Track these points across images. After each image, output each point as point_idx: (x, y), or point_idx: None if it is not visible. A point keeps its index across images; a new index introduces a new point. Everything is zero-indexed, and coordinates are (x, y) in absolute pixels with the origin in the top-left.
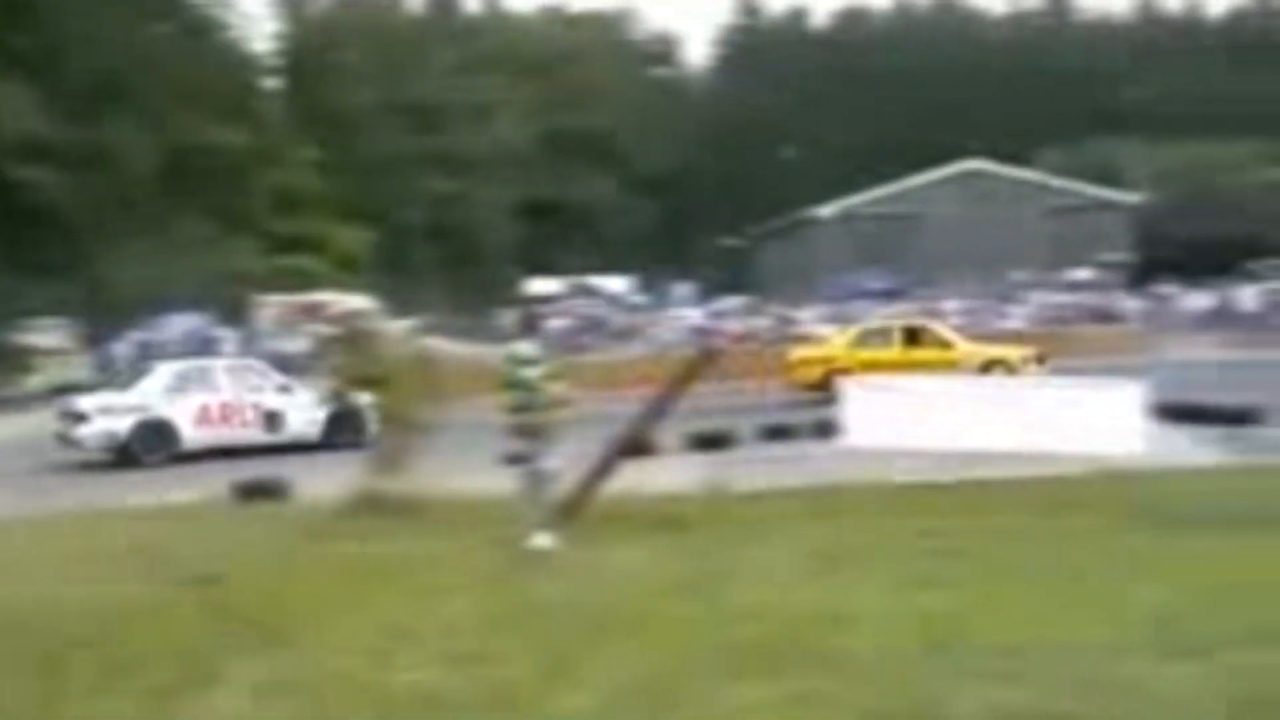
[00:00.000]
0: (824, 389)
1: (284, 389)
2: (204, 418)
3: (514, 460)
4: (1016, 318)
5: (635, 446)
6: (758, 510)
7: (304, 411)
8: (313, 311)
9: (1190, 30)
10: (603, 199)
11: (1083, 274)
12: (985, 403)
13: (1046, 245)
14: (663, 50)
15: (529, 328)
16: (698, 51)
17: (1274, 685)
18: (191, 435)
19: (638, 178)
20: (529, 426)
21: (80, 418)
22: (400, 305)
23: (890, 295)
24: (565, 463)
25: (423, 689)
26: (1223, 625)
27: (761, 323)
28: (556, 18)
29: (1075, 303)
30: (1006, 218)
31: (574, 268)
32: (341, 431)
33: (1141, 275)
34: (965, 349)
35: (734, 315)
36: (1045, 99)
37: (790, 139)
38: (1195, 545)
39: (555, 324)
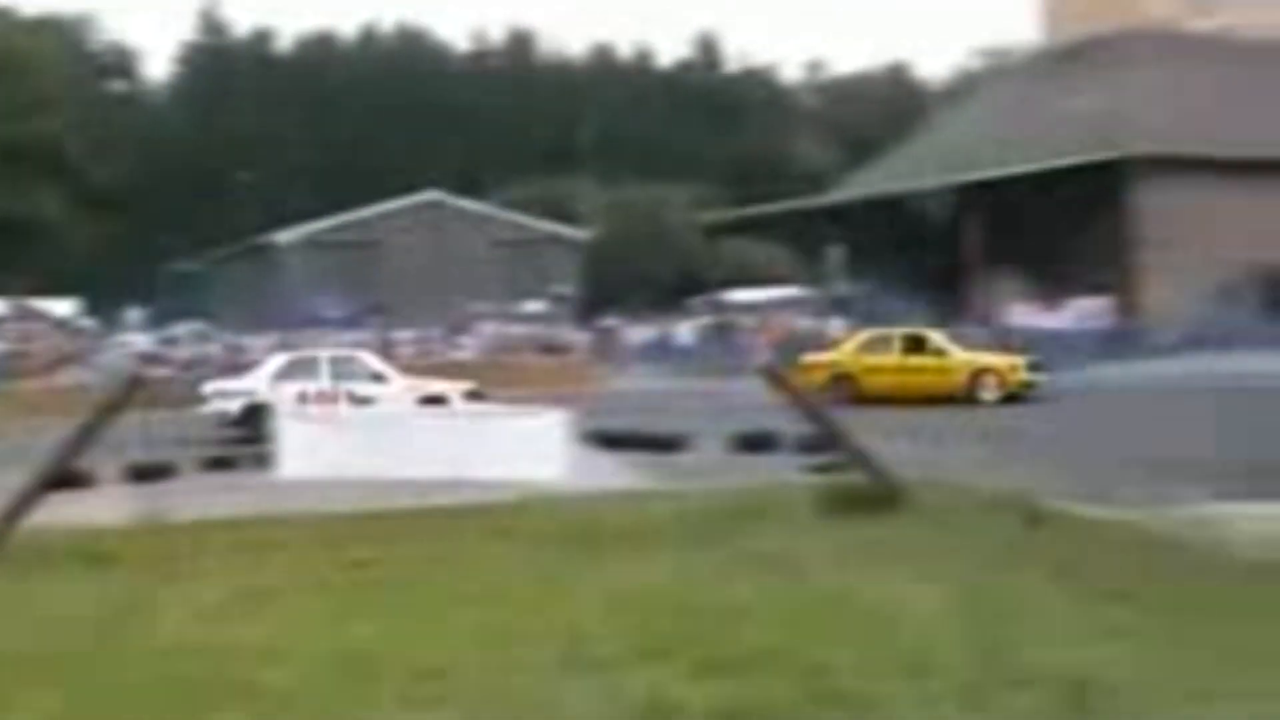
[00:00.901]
0: (829, 393)
1: (378, 378)
2: (303, 404)
3: None
4: (469, 348)
5: (65, 477)
6: (190, 543)
7: (397, 401)
8: None
9: (640, 78)
10: (49, 216)
11: (534, 306)
12: (421, 432)
13: (501, 277)
14: (119, 62)
15: None
16: (160, 67)
17: (661, 696)
18: None
19: (89, 195)
20: None
21: (203, 399)
22: None
23: (346, 323)
24: None
25: None
26: (623, 641)
27: (212, 349)
28: (10, 21)
29: (526, 334)
30: (463, 249)
31: (16, 288)
32: None
33: (589, 308)
34: (960, 357)
35: (186, 342)
36: (505, 135)
37: (251, 163)
38: (604, 566)
39: None
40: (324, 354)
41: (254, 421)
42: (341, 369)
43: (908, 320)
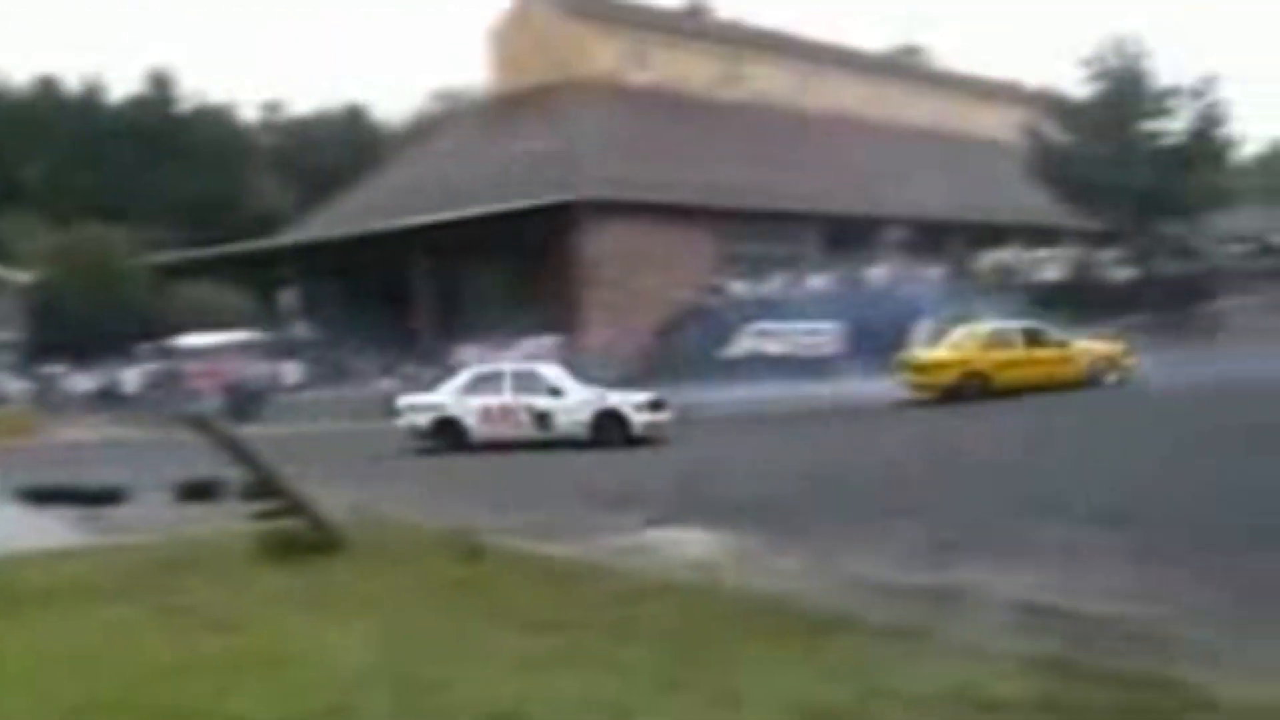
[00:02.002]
0: (957, 393)
1: (555, 392)
2: (487, 417)
3: None
4: None
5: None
6: None
7: (571, 413)
8: None
9: (91, 113)
10: None
11: None
12: None
13: None
14: None
15: None
16: None
17: None
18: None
19: None
20: None
21: (396, 412)
22: None
23: None
24: None
25: None
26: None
27: None
28: None
29: None
30: None
31: None
32: (606, 430)
33: (34, 355)
34: (1079, 347)
35: None
36: None
37: None
38: (30, 626)
39: None
40: (507, 368)
41: (445, 434)
42: (523, 383)
43: (362, 361)
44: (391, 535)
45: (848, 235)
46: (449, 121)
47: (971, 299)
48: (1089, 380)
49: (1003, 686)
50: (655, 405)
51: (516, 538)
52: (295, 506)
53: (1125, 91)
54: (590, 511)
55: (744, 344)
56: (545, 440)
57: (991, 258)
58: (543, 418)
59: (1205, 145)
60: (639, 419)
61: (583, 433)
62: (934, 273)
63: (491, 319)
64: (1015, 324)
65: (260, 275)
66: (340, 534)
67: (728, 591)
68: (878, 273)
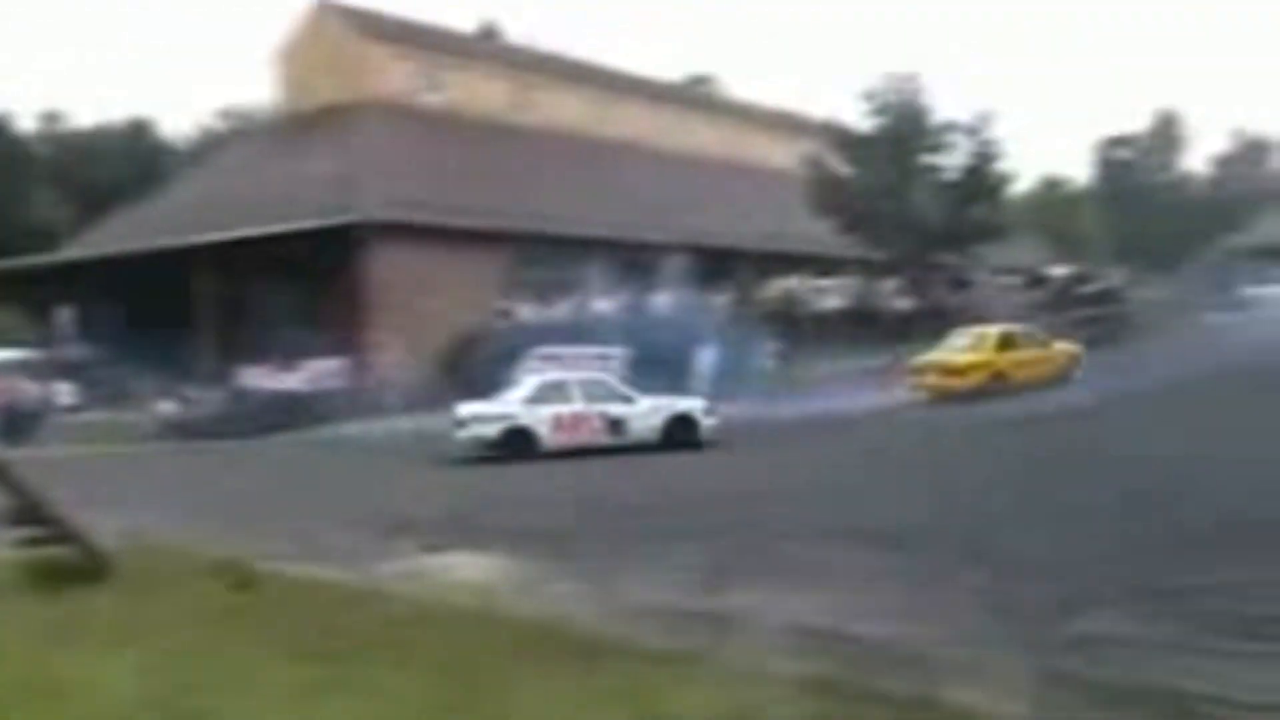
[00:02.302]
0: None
1: (626, 399)
2: (559, 425)
3: None
4: None
5: None
6: None
7: (644, 419)
8: None
9: None
10: None
11: None
12: None
13: None
14: None
15: None
16: None
17: None
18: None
19: None
20: None
21: (460, 423)
22: None
23: None
24: None
25: None
26: None
27: None
28: None
29: None
30: None
31: None
32: (676, 435)
33: None
34: (1057, 347)
35: None
36: None
37: None
38: None
39: None
40: (574, 377)
41: (515, 444)
42: (593, 391)
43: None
44: (163, 562)
45: (635, 262)
46: (237, 139)
47: (755, 326)
48: (1063, 376)
49: (777, 710)
50: (709, 412)
51: (292, 563)
52: (63, 533)
53: (904, 126)
54: (366, 536)
55: (530, 368)
56: (618, 446)
57: (776, 286)
58: (616, 424)
59: (981, 180)
60: (707, 422)
61: (654, 437)
62: (719, 300)
63: (278, 340)
64: (1014, 327)
65: (36, 292)
66: (109, 561)
67: (502, 617)
68: (662, 299)
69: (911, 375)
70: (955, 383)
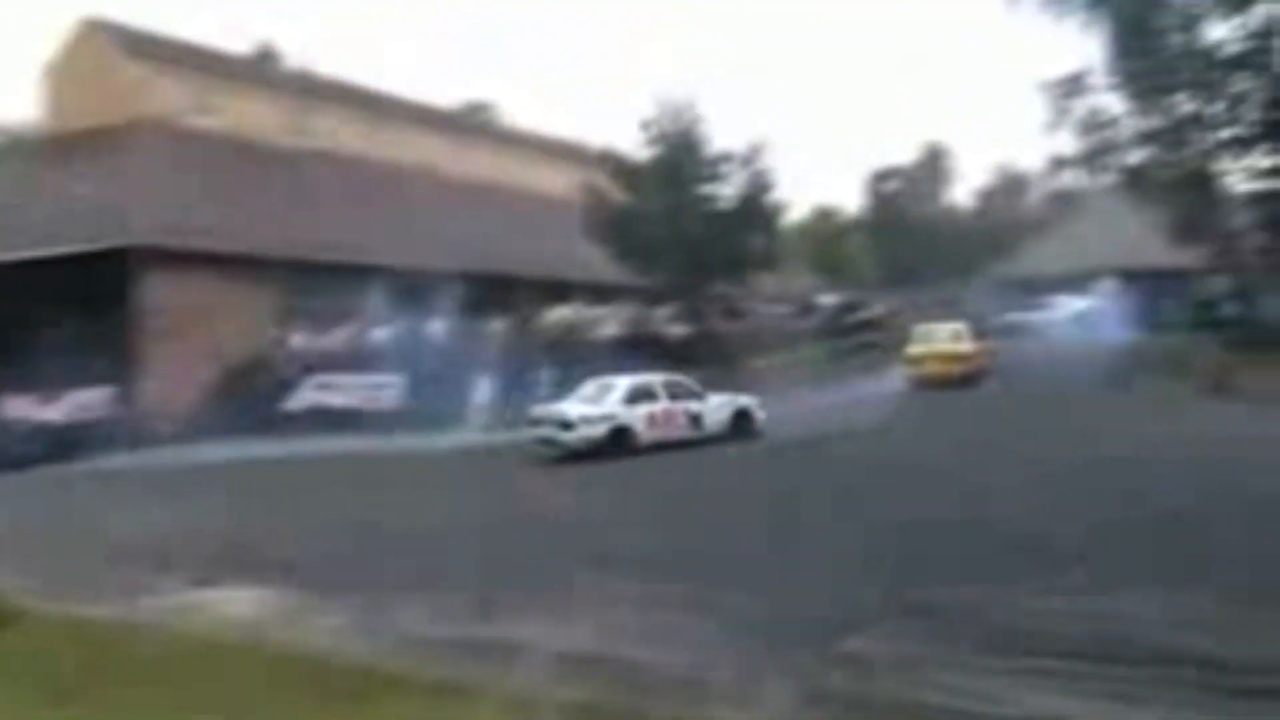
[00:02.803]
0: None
1: (700, 396)
2: (652, 422)
3: None
4: None
5: None
6: None
7: (715, 413)
8: None
9: None
10: None
11: None
12: None
13: None
14: None
15: None
16: None
17: None
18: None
19: None
20: None
21: (568, 425)
22: None
23: None
24: None
25: None
26: None
27: None
28: None
29: None
30: None
31: None
32: (740, 426)
33: None
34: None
35: None
36: None
37: None
38: None
39: None
40: (657, 378)
41: (619, 442)
42: (675, 390)
43: None
44: None
45: (414, 289)
46: (2, 159)
47: (534, 353)
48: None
49: None
50: (760, 407)
51: (51, 600)
52: None
53: (680, 155)
54: (133, 571)
55: (306, 396)
56: (698, 439)
57: (554, 314)
58: (695, 419)
59: (754, 209)
60: (760, 415)
61: (723, 430)
62: (497, 327)
63: (47, 369)
64: (955, 326)
65: None
66: None
67: (273, 652)
68: (441, 327)
69: (908, 365)
70: (955, 368)
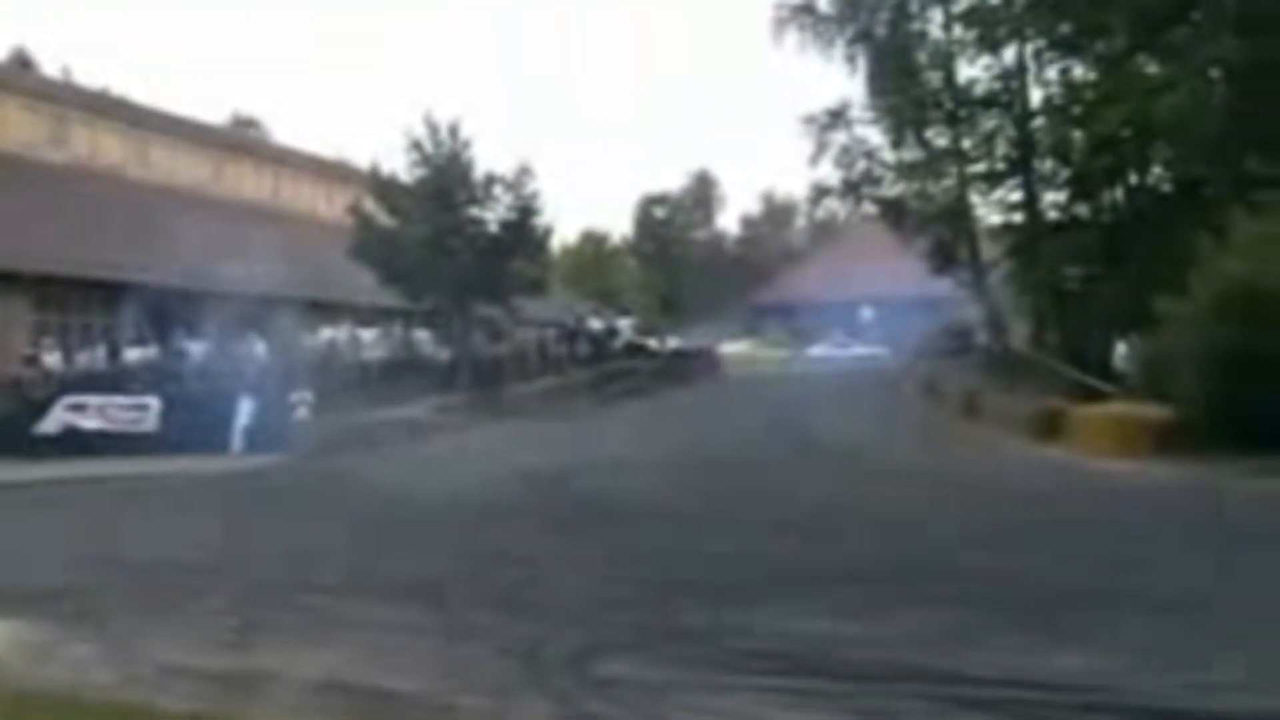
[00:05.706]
0: None
1: None
2: None
3: None
4: None
5: None
6: None
7: None
8: None
9: None
10: None
11: None
12: None
13: None
14: None
15: None
16: None
17: None
18: None
19: None
20: None
21: None
22: None
23: None
24: None
25: None
26: None
27: None
28: None
29: None
30: None
31: None
32: None
33: None
34: None
35: None
36: None
37: None
38: None
39: None
40: None
41: None
42: None
43: None
44: None
45: (173, 308)
46: None
47: (295, 376)
48: None
49: None
50: None
51: None
52: None
53: (446, 178)
54: None
55: (57, 418)
56: None
57: (320, 336)
58: None
59: (521, 233)
60: None
61: None
62: (260, 349)
63: None
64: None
65: None
66: None
67: (14, 687)
68: (199, 348)
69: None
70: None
